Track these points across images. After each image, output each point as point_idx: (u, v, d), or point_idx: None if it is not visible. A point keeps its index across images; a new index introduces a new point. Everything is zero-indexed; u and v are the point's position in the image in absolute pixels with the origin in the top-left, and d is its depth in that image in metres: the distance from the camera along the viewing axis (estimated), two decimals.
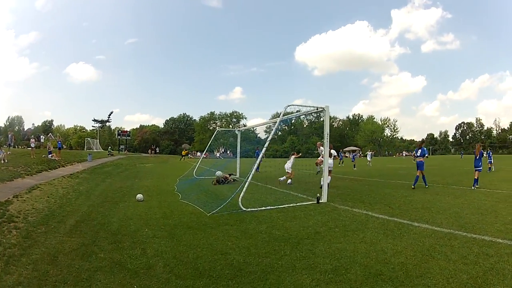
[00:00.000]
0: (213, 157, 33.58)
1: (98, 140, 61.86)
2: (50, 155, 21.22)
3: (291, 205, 7.87)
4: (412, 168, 25.06)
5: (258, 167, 16.88)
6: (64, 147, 56.08)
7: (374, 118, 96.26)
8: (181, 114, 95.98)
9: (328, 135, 8.68)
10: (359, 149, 74.75)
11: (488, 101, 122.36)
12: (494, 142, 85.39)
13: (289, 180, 12.83)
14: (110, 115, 72.26)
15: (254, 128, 19.44)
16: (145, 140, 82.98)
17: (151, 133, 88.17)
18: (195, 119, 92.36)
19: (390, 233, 5.32)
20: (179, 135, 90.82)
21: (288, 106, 8.11)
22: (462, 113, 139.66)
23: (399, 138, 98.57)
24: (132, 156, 42.69)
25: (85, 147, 54.69)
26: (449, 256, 4.16)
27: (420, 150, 11.50)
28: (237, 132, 17.02)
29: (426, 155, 11.59)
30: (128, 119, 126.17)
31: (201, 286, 3.40)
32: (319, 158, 12.36)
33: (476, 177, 11.16)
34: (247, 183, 7.41)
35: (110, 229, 5.41)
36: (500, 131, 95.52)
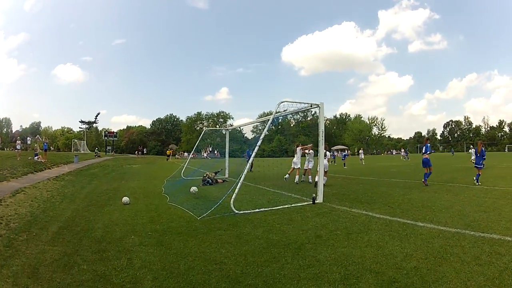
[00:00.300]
0: (200, 157, 33.86)
1: (85, 141, 63.43)
2: (36, 157, 21.50)
3: (286, 206, 7.71)
4: (403, 166, 25.76)
5: (251, 167, 17.09)
6: (52, 148, 56.80)
7: (361, 117, 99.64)
8: (168, 115, 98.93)
9: (323, 133, 8.55)
10: (347, 148, 76.14)
11: (476, 99, 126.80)
12: (483, 140, 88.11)
13: (287, 175, 13.16)
14: (97, 116, 73.89)
15: (241, 128, 19.74)
16: (132, 141, 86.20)
17: (138, 134, 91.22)
18: (181, 120, 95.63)
19: (396, 235, 5.17)
20: (166, 136, 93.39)
21: (282, 102, 7.89)
22: (450, 111, 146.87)
23: (387, 136, 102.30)
24: (119, 157, 43.06)
25: (72, 148, 55.76)
26: (461, 257, 4.08)
27: (424, 148, 12.07)
28: (224, 132, 17.01)
29: (429, 152, 12.10)
30: (115, 120, 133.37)
31: None
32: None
33: (479, 173, 11.56)
34: (239, 184, 7.17)
35: (94, 236, 5.17)
36: (488, 128, 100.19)
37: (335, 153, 40.27)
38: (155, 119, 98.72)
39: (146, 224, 5.99)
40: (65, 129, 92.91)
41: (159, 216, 6.66)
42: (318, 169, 8.72)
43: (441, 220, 6.16)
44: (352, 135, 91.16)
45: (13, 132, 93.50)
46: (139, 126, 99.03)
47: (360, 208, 7.48)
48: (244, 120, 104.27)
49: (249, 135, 62.58)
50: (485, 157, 15.54)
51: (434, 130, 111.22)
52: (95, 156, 39.40)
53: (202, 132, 18.85)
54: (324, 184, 12.54)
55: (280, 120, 8.30)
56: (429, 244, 4.67)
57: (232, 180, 13.96)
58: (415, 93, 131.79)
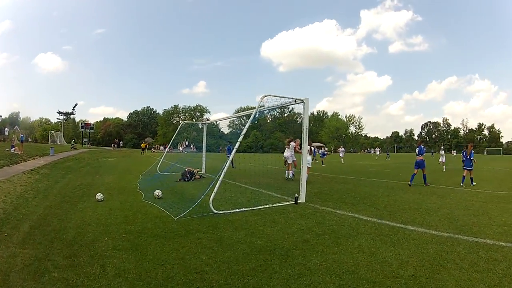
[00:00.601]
0: (176, 151, 34.07)
1: (62, 133, 64.64)
2: (13, 148, 22.04)
3: (267, 206, 7.59)
4: (383, 165, 26.34)
5: (233, 163, 17.60)
6: (30, 140, 59.58)
7: (339, 115, 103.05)
8: (144, 107, 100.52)
9: (308, 130, 8.51)
10: (324, 145, 77.64)
11: (455, 102, 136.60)
12: (461, 142, 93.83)
13: (291, 173, 13.43)
14: (74, 107, 77.77)
15: (218, 122, 19.65)
16: (109, 133, 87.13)
17: (114, 126, 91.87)
18: (158, 113, 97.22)
19: (388, 239, 5.09)
20: (143, 129, 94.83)
21: (266, 96, 7.69)
22: (428, 113, 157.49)
23: (363, 135, 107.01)
24: (95, 150, 43.76)
25: (49, 140, 56.57)
26: (459, 264, 4.10)
27: (418, 149, 12.65)
28: (200, 126, 17.14)
29: (423, 153, 12.68)
30: (93, 112, 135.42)
31: None
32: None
33: (470, 176, 12.48)
34: (219, 182, 6.89)
35: (65, 238, 4.93)
36: (467, 131, 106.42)
37: (316, 150, 40.85)
38: (132, 111, 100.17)
39: (120, 224, 5.79)
40: (43, 120, 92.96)
41: (133, 216, 6.45)
42: (301, 166, 8.55)
43: (431, 223, 6.20)
44: (329, 133, 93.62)
45: None
46: (116, 118, 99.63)
47: (345, 209, 7.42)
48: (221, 114, 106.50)
49: (226, 129, 63.17)
50: (473, 159, 16.33)
51: (411, 130, 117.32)
52: (71, 148, 40.06)
53: (179, 126, 18.98)
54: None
55: (257, 115, 8.12)
56: (424, 250, 4.63)
57: (209, 176, 13.96)
58: (393, 93, 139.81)
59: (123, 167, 19.81)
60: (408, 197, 9.34)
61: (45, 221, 5.93)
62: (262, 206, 7.50)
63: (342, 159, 29.34)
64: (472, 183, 12.32)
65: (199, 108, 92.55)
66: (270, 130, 79.06)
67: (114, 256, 4.19)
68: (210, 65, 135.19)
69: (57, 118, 78.32)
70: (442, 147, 24.25)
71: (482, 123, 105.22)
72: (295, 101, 8.45)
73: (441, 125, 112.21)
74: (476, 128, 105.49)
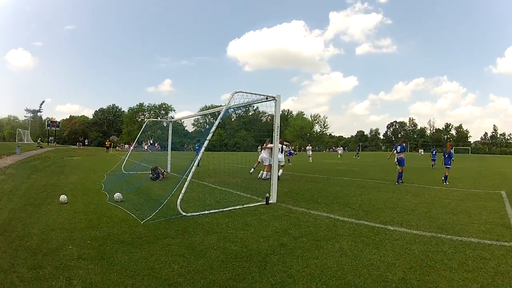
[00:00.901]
0: (141, 150, 34.56)
1: (29, 131, 67.60)
2: None
3: (237, 207, 7.42)
4: (350, 164, 26.99)
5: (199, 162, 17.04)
6: None
7: (304, 114, 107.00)
8: (110, 105, 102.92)
9: (279, 128, 8.37)
10: (289, 143, 78.73)
11: (421, 103, 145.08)
12: (428, 141, 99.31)
13: (265, 173, 13.42)
14: (41, 104, 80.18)
15: (182, 120, 19.75)
16: (74, 132, 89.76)
17: (80, 124, 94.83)
18: (124, 111, 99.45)
19: (370, 241, 5.00)
20: (108, 127, 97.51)
21: (236, 92, 7.44)
22: (393, 113, 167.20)
23: (328, 134, 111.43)
24: (60, 148, 45.27)
25: (17, 138, 59.14)
26: (447, 264, 4.15)
27: (399, 147, 13.30)
28: (165, 125, 17.22)
29: (404, 151, 13.41)
30: (60, 110, 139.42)
31: None
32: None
33: (445, 174, 13.19)
34: (187, 182, 6.56)
35: (30, 246, 4.71)
36: (434, 131, 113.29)
37: (287, 148, 41.12)
38: (97, 109, 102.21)
39: (85, 229, 5.59)
40: (12, 118, 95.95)
41: (98, 219, 6.26)
42: (272, 165, 8.37)
43: (411, 223, 6.25)
44: (294, 132, 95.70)
45: None
46: (82, 116, 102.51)
47: (319, 209, 7.33)
48: (186, 113, 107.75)
49: (190, 128, 64.07)
50: (453, 158, 17.39)
51: (377, 129, 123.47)
52: (38, 147, 41.63)
53: (144, 124, 18.85)
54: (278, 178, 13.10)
55: (228, 112, 8.00)
56: (409, 251, 4.61)
57: (174, 175, 13.96)
58: (359, 93, 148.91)
59: (88, 166, 19.90)
60: (382, 196, 9.48)
61: (9, 226, 5.76)
62: (233, 207, 7.34)
63: (310, 158, 29.54)
64: (445, 182, 12.94)
65: (164, 106, 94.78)
66: (235, 129, 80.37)
67: (79, 267, 3.98)
68: (176, 64, 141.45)
69: (25, 116, 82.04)
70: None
71: (450, 123, 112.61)
72: (267, 98, 8.28)
73: (407, 124, 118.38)
74: (443, 128, 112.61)
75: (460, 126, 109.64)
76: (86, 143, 68.63)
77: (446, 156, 13.61)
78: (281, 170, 13.82)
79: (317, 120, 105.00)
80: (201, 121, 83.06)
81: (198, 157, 7.11)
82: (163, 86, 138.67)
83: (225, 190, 10.11)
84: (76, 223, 5.98)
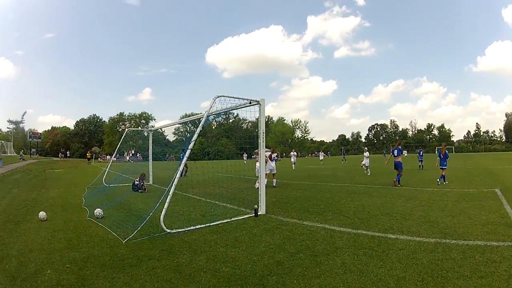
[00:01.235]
0: (123, 160, 34.93)
1: (12, 143, 66.90)
2: None
3: (225, 221, 7.06)
4: (335, 169, 26.91)
5: (186, 172, 17.93)
6: None
7: (284, 120, 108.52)
8: (91, 115, 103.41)
9: (264, 134, 8.09)
10: (270, 149, 78.99)
11: (401, 104, 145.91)
12: (410, 142, 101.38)
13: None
14: (23, 115, 78.40)
15: (163, 129, 19.79)
16: (56, 143, 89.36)
17: (62, 135, 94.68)
18: (104, 121, 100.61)
19: (373, 253, 4.70)
20: (89, 137, 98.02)
21: (218, 97, 7.15)
22: (374, 115, 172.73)
23: (310, 139, 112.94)
24: (43, 161, 45.52)
25: (0, 151, 57.40)
26: (459, 272, 3.96)
27: (396, 151, 13.57)
28: (146, 134, 17.20)
29: (401, 154, 13.65)
30: (42, 120, 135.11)
31: None
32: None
33: (443, 174, 13.27)
34: (169, 196, 6.15)
35: (8, 270, 4.59)
36: (416, 132, 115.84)
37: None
38: (78, 120, 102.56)
39: (64, 250, 5.38)
40: None
41: (78, 239, 6.06)
42: (259, 175, 8.01)
43: (412, 229, 6.02)
44: (275, 138, 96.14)
45: None
46: (63, 127, 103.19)
47: (312, 219, 7.00)
48: (166, 121, 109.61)
49: (171, 137, 64.01)
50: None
51: (358, 133, 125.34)
52: (20, 159, 42.28)
53: (124, 134, 19.00)
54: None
55: (210, 119, 7.70)
56: (416, 261, 4.35)
57: (156, 187, 13.90)
58: (339, 97, 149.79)
59: (69, 179, 20.01)
60: (374, 202, 9.26)
61: None
62: (220, 221, 6.98)
63: (293, 165, 28.72)
64: (444, 182, 13.18)
65: (144, 115, 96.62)
66: (216, 137, 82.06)
67: None
68: (155, 72, 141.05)
69: (8, 128, 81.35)
70: (366, 148, 23.94)
71: (432, 124, 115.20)
72: (250, 103, 7.98)
73: (389, 127, 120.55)
74: (425, 128, 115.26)
75: (442, 126, 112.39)
76: (68, 155, 69.28)
77: (442, 156, 13.67)
78: (274, 180, 14.08)
79: (298, 125, 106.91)
80: (181, 130, 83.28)
81: (180, 168, 6.66)
82: (143, 95, 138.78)
83: (210, 202, 9.76)
84: (55, 243, 5.80)
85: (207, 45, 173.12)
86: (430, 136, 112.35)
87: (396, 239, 5.35)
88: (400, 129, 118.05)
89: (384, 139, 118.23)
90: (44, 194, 12.71)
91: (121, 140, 18.79)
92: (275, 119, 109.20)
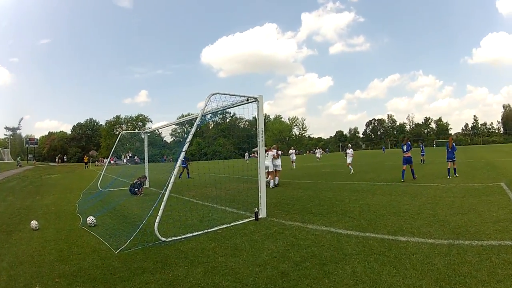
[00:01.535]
0: (120, 163, 33.59)
1: (9, 149, 68.22)
2: None
3: (224, 226, 6.76)
4: (335, 166, 26.65)
5: (181, 174, 18.85)
6: None
7: (281, 118, 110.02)
8: (88, 119, 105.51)
9: (263, 132, 7.81)
10: (275, 146, 79.15)
11: (398, 98, 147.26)
12: (408, 137, 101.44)
13: (271, 181, 13.54)
14: (20, 122, 79.20)
15: (160, 131, 19.63)
16: (53, 148, 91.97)
17: (59, 140, 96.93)
18: (101, 124, 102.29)
19: (384, 259, 4.40)
20: (86, 142, 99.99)
21: (213, 94, 6.82)
22: (371, 110, 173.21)
23: (307, 136, 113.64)
24: (40, 166, 45.91)
25: None
26: (477, 276, 3.73)
27: (405, 146, 13.60)
28: (143, 136, 17.04)
29: (410, 149, 13.64)
30: (39, 126, 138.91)
31: None
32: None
33: (452, 167, 13.48)
34: (164, 201, 5.79)
35: None
36: (414, 126, 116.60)
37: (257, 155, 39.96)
38: (75, 124, 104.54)
39: (54, 262, 5.18)
40: None
41: (68, 250, 5.85)
42: (259, 175, 7.67)
43: (422, 230, 5.74)
44: (273, 136, 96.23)
45: None
46: (60, 131, 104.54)
47: (316, 222, 6.70)
48: (163, 123, 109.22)
49: (169, 138, 64.41)
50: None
51: (356, 128, 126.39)
52: (17, 165, 43.00)
53: (119, 136, 18.86)
54: (277, 185, 13.76)
55: (205, 120, 7.40)
56: (431, 266, 4.09)
57: (153, 191, 13.73)
58: (335, 93, 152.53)
59: (65, 185, 19.91)
60: (379, 200, 8.97)
61: None
62: (218, 227, 6.67)
63: (293, 164, 27.90)
64: (455, 174, 13.43)
65: (140, 117, 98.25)
66: (213, 137, 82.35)
67: None
68: (151, 74, 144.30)
69: (5, 134, 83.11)
70: (349, 145, 22.43)
71: (429, 117, 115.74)
72: (247, 100, 7.66)
73: (386, 121, 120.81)
74: (423, 122, 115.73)
75: (440, 119, 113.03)
76: (65, 160, 70.92)
77: (450, 149, 13.75)
78: (277, 178, 14.03)
79: (296, 122, 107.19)
80: (178, 131, 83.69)
81: (174, 172, 6.30)
82: (139, 97, 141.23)
83: (208, 206, 9.50)
84: (45, 254, 5.64)
85: (202, 45, 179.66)
86: (428, 129, 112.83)
87: (408, 242, 5.06)
88: (398, 124, 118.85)
89: (382, 134, 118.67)
90: (39, 201, 12.61)
91: (115, 143, 18.70)
92: (272, 117, 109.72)
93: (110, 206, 10.11)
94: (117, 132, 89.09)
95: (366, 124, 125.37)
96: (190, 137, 6.46)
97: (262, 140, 7.72)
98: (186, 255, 5.05)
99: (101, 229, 7.06)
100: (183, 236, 6.04)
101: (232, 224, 6.85)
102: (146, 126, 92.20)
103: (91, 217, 7.65)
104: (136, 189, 12.69)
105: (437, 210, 7.29)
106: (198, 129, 6.80)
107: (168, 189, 5.93)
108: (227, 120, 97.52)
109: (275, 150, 14.05)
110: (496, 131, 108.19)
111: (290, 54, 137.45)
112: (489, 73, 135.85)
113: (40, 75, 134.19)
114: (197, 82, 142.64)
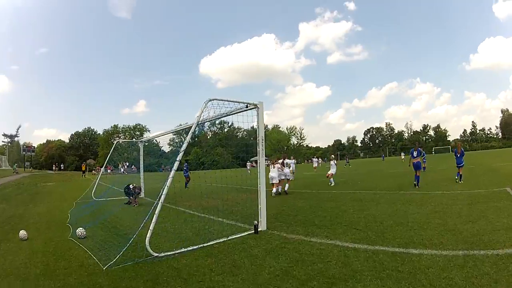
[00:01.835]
0: (117, 172, 34.86)
1: (7, 156, 69.18)
2: None
3: (221, 240, 6.37)
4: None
5: (186, 184, 19.31)
6: None
7: (279, 127, 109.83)
8: (85, 128, 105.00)
9: (263, 140, 7.44)
10: (267, 158, 78.90)
11: (396, 107, 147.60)
12: (406, 144, 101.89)
13: (274, 189, 13.74)
14: (18, 129, 78.77)
15: (158, 141, 21.40)
16: (51, 156, 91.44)
17: (57, 148, 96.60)
18: (99, 133, 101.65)
19: (398, 275, 4.06)
20: (84, 150, 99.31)
21: (210, 100, 6.49)
22: (369, 119, 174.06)
23: (305, 145, 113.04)
24: (36, 174, 46.35)
25: None
26: None
27: (416, 152, 13.74)
28: (140, 145, 17.08)
29: (421, 155, 14.15)
30: (37, 134, 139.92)
31: None
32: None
33: (460, 172, 13.60)
34: (155, 215, 5.46)
35: None
36: (412, 133, 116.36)
37: (255, 164, 39.32)
38: (73, 133, 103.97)
39: (40, 277, 4.93)
40: None
41: (55, 263, 5.58)
42: (258, 186, 7.31)
43: (434, 241, 5.44)
44: (271, 145, 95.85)
45: None
46: (58, 140, 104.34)
47: (320, 235, 6.33)
48: (160, 133, 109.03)
49: (166, 148, 65.58)
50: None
51: (354, 137, 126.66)
52: (14, 172, 43.40)
53: (114, 145, 19.21)
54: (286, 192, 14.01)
55: (196, 132, 7.04)
56: (449, 280, 3.83)
57: (147, 201, 13.54)
58: (333, 102, 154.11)
59: (60, 193, 19.98)
60: (385, 210, 8.65)
61: None
62: (216, 241, 6.30)
63: (292, 175, 26.99)
64: (459, 180, 13.41)
65: (138, 127, 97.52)
66: (211, 146, 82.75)
67: None
68: (149, 84, 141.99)
69: (2, 141, 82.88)
70: (332, 156, 21.12)
71: (427, 124, 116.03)
72: (247, 106, 7.29)
73: (385, 130, 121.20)
74: (421, 129, 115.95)
75: (438, 126, 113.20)
76: (62, 168, 70.00)
77: (458, 155, 13.79)
78: (287, 185, 14.34)
79: (294, 132, 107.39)
80: (176, 141, 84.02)
81: (167, 183, 5.92)
82: (137, 107, 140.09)
83: (204, 217, 9.15)
84: (31, 267, 5.44)
85: (200, 56, 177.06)
86: (426, 137, 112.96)
87: (421, 255, 4.73)
88: (396, 132, 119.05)
89: (380, 142, 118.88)
90: (31, 209, 12.51)
91: (110, 152, 18.71)
92: (270, 127, 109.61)
93: (102, 216, 9.87)
94: (115, 142, 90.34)
95: (364, 132, 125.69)
96: (185, 145, 6.16)
97: (262, 149, 7.34)
98: (179, 273, 4.69)
99: (91, 242, 6.77)
100: (177, 251, 5.68)
101: (230, 237, 6.47)
102: (144, 136, 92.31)
103: (81, 228, 7.36)
104: (131, 196, 12.61)
105: (446, 218, 7.00)
106: (196, 139, 6.50)
107: (160, 201, 5.58)
108: (225, 130, 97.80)
109: (282, 160, 14.40)
110: (495, 136, 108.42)
111: (288, 64, 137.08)
112: (487, 78, 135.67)
113: (39, 83, 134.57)
114: (196, 93, 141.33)
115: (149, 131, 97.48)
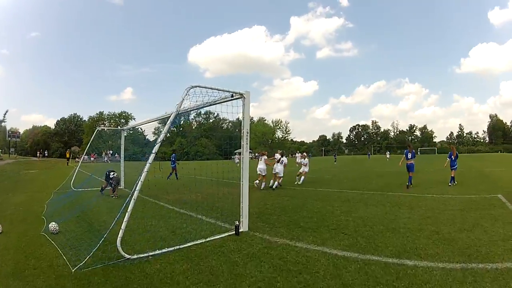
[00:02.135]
0: (101, 160, 34.99)
1: None
2: None
3: (199, 242, 5.94)
4: (320, 171, 26.14)
5: (176, 174, 19.21)
6: None
7: (265, 120, 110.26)
8: (71, 115, 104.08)
9: (248, 133, 6.98)
10: (251, 150, 78.76)
11: (383, 105, 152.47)
12: (392, 143, 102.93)
13: (263, 184, 13.98)
14: (5, 114, 75.02)
15: (143, 129, 20.92)
16: (36, 142, 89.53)
17: (42, 134, 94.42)
18: (85, 120, 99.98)
19: None
20: (69, 137, 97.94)
21: (193, 87, 5.99)
22: (355, 116, 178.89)
23: (290, 139, 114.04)
24: (21, 161, 45.34)
25: None
26: None
27: (410, 154, 13.83)
28: (122, 133, 16.73)
29: (414, 157, 13.96)
30: (24, 119, 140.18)
31: None
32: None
33: (453, 175, 13.76)
34: (128, 213, 5.04)
35: None
36: (398, 132, 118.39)
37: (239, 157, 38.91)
38: (59, 119, 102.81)
39: (8, 277, 4.64)
40: None
41: (25, 262, 5.20)
42: (241, 183, 6.84)
43: (429, 251, 5.12)
44: (256, 138, 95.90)
45: None
46: (44, 126, 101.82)
47: (306, 239, 5.93)
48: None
49: (151, 137, 65.82)
50: (457, 158, 17.27)
51: (339, 133, 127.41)
52: None
53: (95, 132, 18.75)
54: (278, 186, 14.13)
55: (182, 122, 6.53)
56: None
57: (127, 192, 12.72)
58: (320, 97, 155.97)
59: (42, 181, 19.77)
60: (374, 212, 8.34)
61: None
62: (193, 242, 5.88)
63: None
64: (452, 182, 13.62)
65: (124, 115, 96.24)
66: (196, 137, 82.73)
67: None
68: (137, 71, 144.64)
69: None
70: (304, 154, 20.90)
71: (414, 125, 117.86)
72: (232, 96, 6.80)
73: (370, 127, 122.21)
74: (407, 129, 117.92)
75: (425, 127, 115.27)
76: (46, 155, 69.50)
77: (453, 158, 14.02)
78: (276, 182, 14.24)
79: (279, 125, 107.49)
80: (161, 130, 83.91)
81: (141, 178, 5.39)
82: (124, 94, 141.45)
83: (183, 213, 8.71)
84: (2, 265, 5.13)
85: (190, 45, 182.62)
86: (412, 137, 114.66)
87: (416, 267, 4.40)
88: (382, 130, 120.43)
89: (366, 139, 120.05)
90: (10, 199, 12.16)
91: (91, 139, 18.50)
92: (255, 119, 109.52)
93: (78, 209, 9.42)
94: (96, 129, 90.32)
95: (350, 129, 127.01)
96: (162, 136, 5.69)
97: (247, 143, 6.88)
98: (151, 280, 4.25)
99: (63, 238, 6.36)
100: (150, 254, 5.23)
101: (208, 239, 6.03)
102: (129, 124, 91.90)
103: (54, 223, 6.91)
104: (110, 186, 12.32)
105: (439, 225, 6.72)
106: (181, 128, 6.00)
107: (133, 198, 5.07)
108: (211, 121, 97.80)
109: (279, 157, 14.52)
110: (481, 140, 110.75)
111: (277, 57, 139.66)
112: (477, 83, 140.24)
113: (28, 68, 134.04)
114: (183, 82, 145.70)
115: (134, 119, 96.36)
